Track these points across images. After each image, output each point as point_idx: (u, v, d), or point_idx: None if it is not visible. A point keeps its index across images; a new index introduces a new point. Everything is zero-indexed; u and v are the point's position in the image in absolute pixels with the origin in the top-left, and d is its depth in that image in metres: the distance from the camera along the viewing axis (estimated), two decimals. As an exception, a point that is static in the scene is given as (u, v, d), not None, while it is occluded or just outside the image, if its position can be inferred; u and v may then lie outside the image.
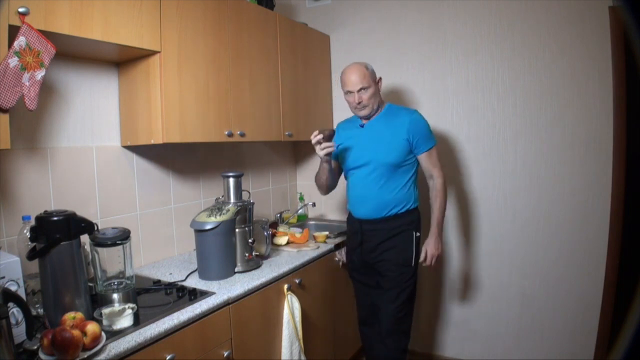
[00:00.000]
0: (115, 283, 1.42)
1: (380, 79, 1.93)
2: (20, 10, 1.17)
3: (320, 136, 1.78)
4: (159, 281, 1.67)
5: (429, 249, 1.87)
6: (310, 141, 1.83)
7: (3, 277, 1.12)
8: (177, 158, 2.08)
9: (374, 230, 1.90)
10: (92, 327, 1.09)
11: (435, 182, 1.91)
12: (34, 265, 1.24)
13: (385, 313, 1.88)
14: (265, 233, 1.93)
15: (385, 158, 1.84)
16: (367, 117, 1.93)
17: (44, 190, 1.53)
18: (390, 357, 1.87)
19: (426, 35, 2.48)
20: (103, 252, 1.39)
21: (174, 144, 1.75)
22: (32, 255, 1.19)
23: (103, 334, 1.13)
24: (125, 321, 1.24)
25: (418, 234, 1.90)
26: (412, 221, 1.89)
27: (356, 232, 1.97)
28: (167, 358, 1.25)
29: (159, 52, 1.61)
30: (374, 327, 2.00)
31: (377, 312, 1.94)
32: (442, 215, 1.91)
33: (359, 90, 1.83)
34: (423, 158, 1.90)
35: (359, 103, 1.85)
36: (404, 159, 1.86)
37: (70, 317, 1.11)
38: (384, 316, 1.88)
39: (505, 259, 2.39)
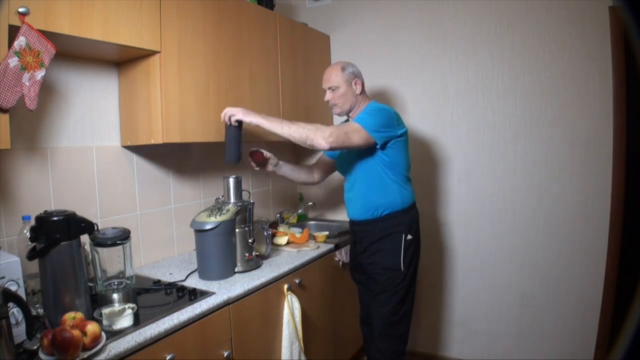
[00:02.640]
0: (115, 283, 1.42)
1: (357, 80, 1.88)
2: (20, 10, 1.16)
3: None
4: (159, 281, 1.67)
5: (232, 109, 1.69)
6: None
7: (3, 277, 1.12)
8: (177, 158, 2.08)
9: (363, 231, 1.90)
10: (92, 327, 1.09)
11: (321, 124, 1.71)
12: (34, 265, 1.24)
13: (376, 317, 1.86)
14: (265, 233, 1.93)
15: (355, 159, 1.85)
16: (347, 119, 1.97)
17: (44, 190, 1.53)
18: None
19: (426, 35, 2.48)
20: (103, 252, 1.39)
21: (174, 144, 1.75)
22: (32, 255, 1.19)
23: (103, 334, 1.12)
24: (125, 321, 1.24)
25: (409, 236, 1.83)
26: (402, 223, 1.83)
27: (351, 232, 2.01)
28: (167, 358, 1.25)
29: (159, 52, 1.61)
30: (372, 327, 2.00)
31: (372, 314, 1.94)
32: (283, 124, 1.69)
33: (328, 89, 1.90)
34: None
35: (328, 101, 1.92)
36: (365, 155, 1.81)
37: (70, 317, 1.11)
38: (375, 320, 1.86)
39: (505, 259, 2.39)
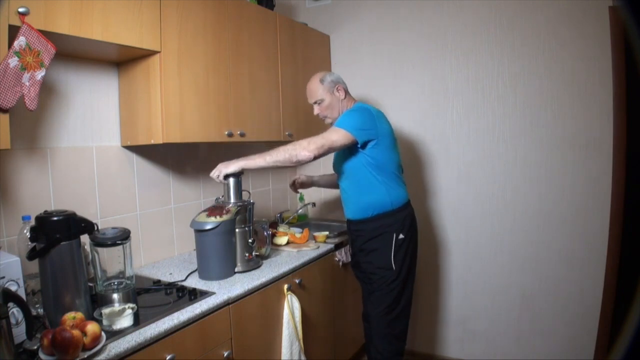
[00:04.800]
0: (115, 283, 1.42)
1: (339, 86, 1.92)
2: (20, 10, 1.16)
3: None
4: (159, 281, 1.67)
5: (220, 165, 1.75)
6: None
7: (3, 277, 1.12)
8: (177, 158, 2.08)
9: (357, 230, 1.92)
10: (92, 327, 1.09)
11: (299, 140, 1.75)
12: (34, 265, 1.24)
13: (373, 315, 1.87)
14: (265, 233, 1.93)
15: (343, 161, 1.88)
16: None
17: (44, 190, 1.53)
18: None
19: (426, 35, 2.48)
20: (103, 252, 1.39)
21: (174, 144, 1.75)
22: (32, 255, 1.19)
23: (103, 334, 1.12)
24: (125, 321, 1.24)
25: (401, 236, 1.83)
26: (392, 223, 1.83)
27: (348, 231, 2.04)
28: (167, 358, 1.25)
29: (159, 52, 1.61)
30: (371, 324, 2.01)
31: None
32: (264, 156, 1.73)
33: (314, 103, 1.96)
34: None
35: (318, 115, 1.98)
36: (349, 156, 1.84)
37: (70, 317, 1.11)
38: (372, 318, 1.88)
39: (505, 259, 2.39)
